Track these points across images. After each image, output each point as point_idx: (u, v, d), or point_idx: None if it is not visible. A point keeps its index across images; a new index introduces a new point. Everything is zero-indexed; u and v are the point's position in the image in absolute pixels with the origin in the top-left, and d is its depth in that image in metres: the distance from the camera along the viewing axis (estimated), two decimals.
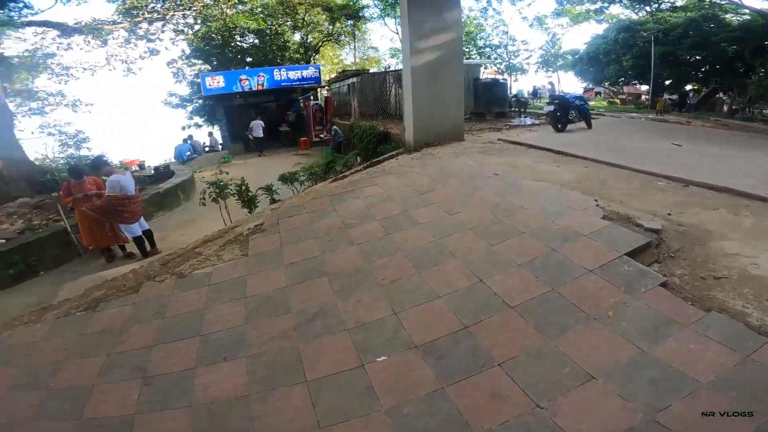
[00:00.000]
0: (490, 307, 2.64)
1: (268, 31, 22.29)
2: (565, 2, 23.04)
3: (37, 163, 10.65)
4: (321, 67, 30.48)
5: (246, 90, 15.65)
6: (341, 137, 11.65)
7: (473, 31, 25.81)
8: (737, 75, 20.14)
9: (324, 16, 24.55)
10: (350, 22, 26.37)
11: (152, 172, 10.34)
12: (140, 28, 17.64)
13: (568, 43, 57.97)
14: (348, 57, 33.49)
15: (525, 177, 4.80)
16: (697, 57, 21.96)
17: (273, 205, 5.14)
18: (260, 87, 15.71)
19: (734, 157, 5.97)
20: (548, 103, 8.47)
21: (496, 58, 26.48)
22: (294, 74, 16.06)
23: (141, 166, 11.29)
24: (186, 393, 2.30)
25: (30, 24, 14.54)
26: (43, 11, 16.33)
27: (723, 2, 19.31)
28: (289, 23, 24.08)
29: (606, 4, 18.63)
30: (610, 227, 3.32)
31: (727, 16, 21.45)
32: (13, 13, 13.32)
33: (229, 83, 15.46)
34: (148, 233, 6.23)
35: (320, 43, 27.12)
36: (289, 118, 17.48)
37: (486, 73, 30.07)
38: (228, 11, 20.81)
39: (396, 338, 2.51)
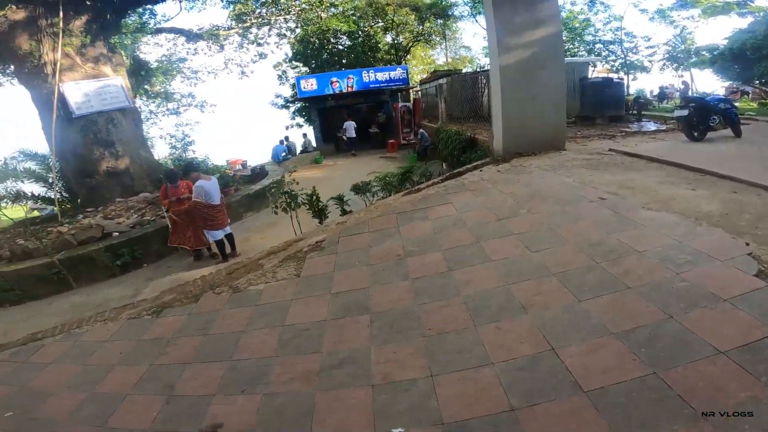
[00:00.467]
0: (554, 388, 1.95)
1: (359, 33, 22.82)
2: None
3: (159, 161, 12.24)
4: (410, 68, 30.60)
5: (336, 92, 16.12)
6: (428, 141, 11.15)
7: (578, 26, 23.10)
8: None
9: (413, 16, 24.33)
10: (440, 21, 25.67)
11: (249, 172, 11.10)
12: (250, 32, 19.36)
13: (702, 38, 49.11)
14: (440, 57, 32.85)
15: (643, 204, 3.76)
16: None
17: (340, 219, 4.90)
18: (350, 89, 16.06)
19: None
20: (680, 107, 6.87)
21: (608, 55, 23.20)
22: (382, 75, 16.07)
23: (243, 165, 12.26)
24: (196, 420, 2.22)
25: (160, 30, 16.79)
26: (171, 18, 18.65)
27: None
28: (380, 24, 24.38)
29: None
30: (766, 290, 2.29)
31: None
32: (147, 20, 15.43)
33: (321, 85, 16.10)
34: (229, 237, 6.51)
35: (410, 44, 26.98)
36: (379, 120, 17.58)
37: (595, 72, 26.81)
38: (323, 14, 21.76)
39: (423, 407, 2.00)
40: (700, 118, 6.59)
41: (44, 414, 2.54)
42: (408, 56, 29.47)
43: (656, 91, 18.14)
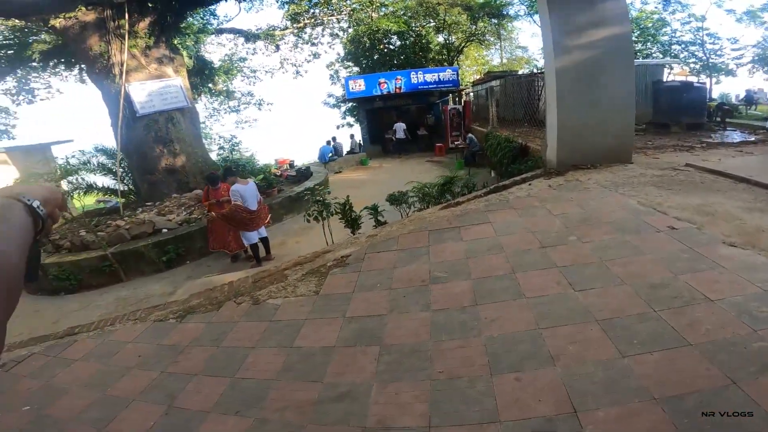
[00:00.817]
0: None
1: (410, 33, 22.46)
2: None
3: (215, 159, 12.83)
4: (462, 69, 29.59)
5: (384, 93, 15.94)
6: (477, 146, 10.60)
7: (651, 26, 20.88)
8: None
9: (465, 16, 23.49)
10: (494, 20, 24.50)
11: (294, 173, 11.27)
12: (305, 33, 19.84)
13: None
14: (494, 58, 31.54)
15: (724, 237, 3.13)
16: None
17: (372, 231, 4.67)
18: (398, 90, 15.79)
19: None
20: None
21: (687, 57, 20.78)
22: (431, 77, 15.61)
23: (291, 165, 12.51)
24: None
25: (221, 31, 17.67)
26: (232, 18, 19.71)
27: None
28: (431, 24, 23.85)
29: None
30: None
31: None
32: (211, 20, 16.30)
33: (369, 86, 16.00)
34: (265, 241, 6.54)
35: (463, 44, 26.15)
36: (427, 122, 17.18)
37: (672, 75, 24.23)
38: (374, 15, 21.68)
39: None
40: None
41: (56, 412, 2.58)
42: (461, 57, 28.64)
43: (742, 95, 15.86)
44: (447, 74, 16.20)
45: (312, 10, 18.25)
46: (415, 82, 16.09)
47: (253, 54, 20.51)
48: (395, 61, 21.73)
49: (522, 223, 4.03)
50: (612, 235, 3.44)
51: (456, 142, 12.25)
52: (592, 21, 5.54)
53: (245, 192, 5.96)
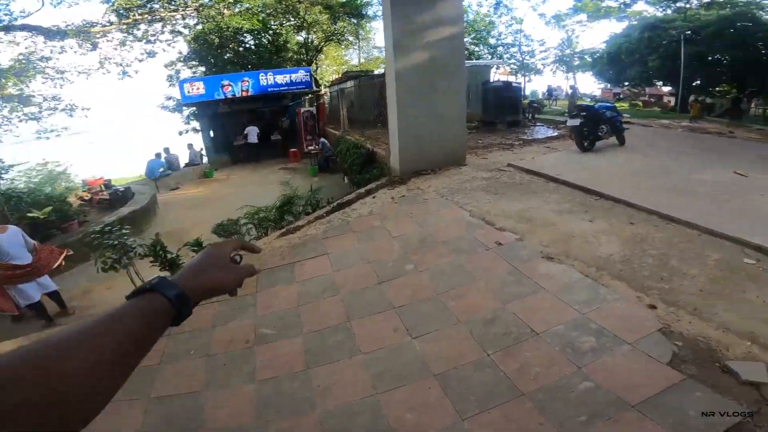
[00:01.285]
0: None
1: (267, 32, 21.03)
2: None
3: None
4: (320, 70, 29.25)
5: (229, 96, 14.26)
6: (330, 151, 10.12)
7: (484, 29, 23.80)
8: None
9: (325, 15, 23.13)
10: (354, 20, 24.78)
11: (107, 196, 9.02)
12: (138, 29, 16.64)
13: (586, 42, 55.30)
14: (354, 58, 32.01)
15: (542, 248, 3.22)
16: (726, 58, 19.62)
17: None
18: (245, 93, 14.28)
19: None
20: (572, 115, 6.83)
21: (509, 58, 24.36)
22: (282, 78, 14.58)
23: (106, 186, 9.99)
24: None
25: (9, 29, 13.62)
26: (30, 14, 15.43)
27: None
28: (292, 23, 22.80)
29: (629, 0, 16.38)
30: (683, 387, 1.84)
31: (762, 12, 19.21)
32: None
33: (210, 90, 14.06)
34: (54, 295, 4.87)
35: (322, 43, 25.71)
36: (282, 126, 16.08)
37: (498, 75, 28.11)
38: (226, 11, 19.60)
39: None
40: (590, 127, 6.57)
41: None
42: (320, 57, 28.10)
43: (545, 90, 19.32)
44: (299, 75, 15.30)
45: (149, 5, 15.28)
46: (265, 84, 14.76)
47: (60, 53, 16.28)
48: (249, 62, 19.98)
49: (360, 251, 3.63)
50: (447, 258, 3.26)
51: (309, 147, 11.59)
52: (432, 21, 5.48)
53: (5, 243, 4.24)
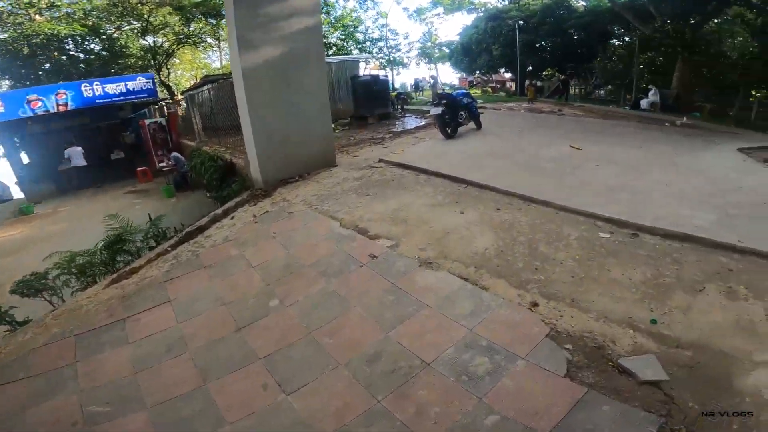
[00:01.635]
0: None
1: (98, 37, 17.73)
2: None
3: None
4: (174, 75, 25.84)
5: (41, 113, 11.23)
6: (185, 166, 8.63)
7: (351, 23, 23.65)
8: (585, 60, 21.72)
9: (177, 17, 20.40)
10: (212, 21, 22.24)
11: None
12: None
13: (445, 34, 60.12)
14: (216, 61, 29.02)
15: (419, 252, 2.97)
16: (549, 44, 23.12)
17: None
18: (63, 108, 11.42)
19: (663, 165, 5.02)
20: (434, 104, 6.95)
21: (377, 52, 24.78)
22: (114, 87, 12.02)
23: None
24: None
25: None
26: None
27: None
28: (134, 26, 19.60)
29: None
30: (588, 402, 1.71)
31: (575, 1, 23.03)
32: None
33: (12, 107, 10.78)
34: None
35: (173, 47, 22.75)
36: (125, 141, 13.48)
37: (369, 69, 28.51)
38: (38, 17, 15.66)
39: None
40: (451, 115, 6.75)
41: None
42: (175, 61, 24.74)
43: (413, 83, 20.13)
44: (139, 83, 12.84)
45: None
46: (91, 95, 12.00)
47: None
48: (78, 72, 16.46)
49: (213, 290, 2.92)
50: (318, 284, 2.77)
51: (161, 164, 9.81)
52: (284, 12, 4.82)
53: None
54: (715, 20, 14.61)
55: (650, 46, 16.68)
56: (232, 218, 4.31)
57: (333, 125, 10.52)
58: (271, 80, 4.88)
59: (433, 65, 33.89)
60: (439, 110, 6.52)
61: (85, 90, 11.85)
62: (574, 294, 2.40)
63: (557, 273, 2.62)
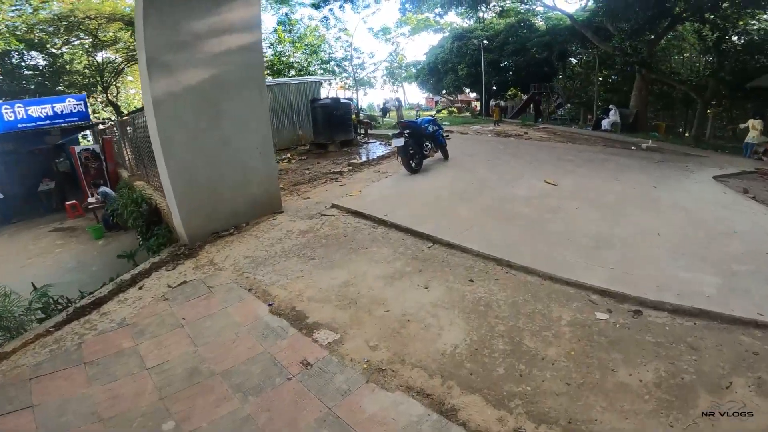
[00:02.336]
0: None
1: (41, 53, 16.39)
2: (407, 9, 21.75)
3: None
4: (127, 94, 24.21)
5: None
6: (115, 202, 7.44)
7: (315, 42, 22.80)
8: (547, 79, 22.08)
9: (129, 32, 19.21)
10: None
11: None
12: None
13: (413, 54, 60.73)
14: None
15: (369, 354, 2.25)
16: (512, 63, 23.30)
17: None
18: None
19: (645, 203, 4.53)
20: (396, 134, 6.31)
21: (341, 73, 24.03)
22: (39, 110, 10.69)
23: None
24: None
25: None
26: None
27: (536, 5, 20.39)
28: (84, 41, 18.27)
29: (443, 11, 17.84)
30: None
31: (536, 19, 23.45)
32: None
33: None
34: None
35: (123, 64, 21.41)
36: (58, 169, 12.03)
37: (334, 90, 27.67)
38: None
39: None
40: (415, 145, 6.11)
41: None
42: (129, 79, 23.23)
43: (382, 105, 19.59)
44: (68, 105, 11.49)
45: None
46: (12, 119, 10.62)
47: None
48: (9, 91, 14.94)
49: (90, 400, 2.13)
50: (229, 405, 1.99)
51: (89, 199, 8.55)
52: (215, 28, 4.03)
53: None
54: (665, 37, 15.06)
55: (607, 64, 17.02)
56: (141, 288, 3.39)
57: (290, 154, 9.71)
58: (194, 112, 4.05)
59: (397, 86, 33.71)
60: (401, 141, 5.87)
61: (6, 113, 10.45)
62: (571, 411, 1.76)
63: (548, 380, 1.95)
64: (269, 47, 20.44)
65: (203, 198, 4.22)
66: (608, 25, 14.39)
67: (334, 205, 4.78)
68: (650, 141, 9.42)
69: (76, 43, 18.68)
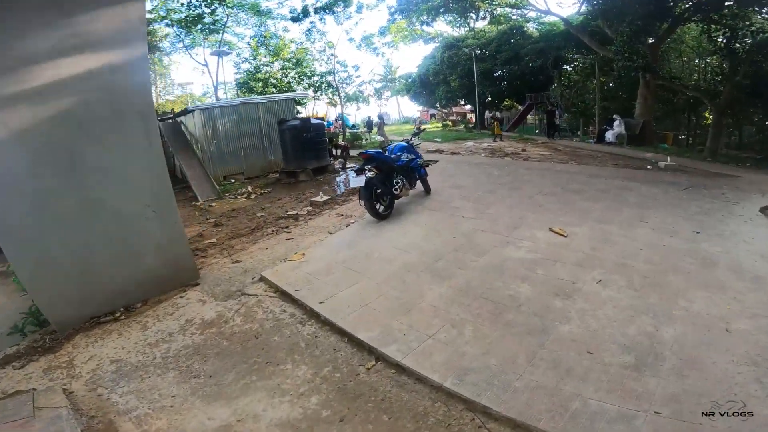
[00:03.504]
0: None
1: None
2: (396, 18, 20.36)
3: None
4: None
5: None
6: None
7: (301, 57, 21.26)
8: (542, 88, 20.79)
9: None
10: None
11: None
12: None
13: (403, 67, 60.02)
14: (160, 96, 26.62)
15: None
16: (506, 72, 21.77)
17: None
18: None
19: (692, 265, 3.24)
20: (357, 169, 5.06)
21: (327, 88, 22.41)
22: None
23: None
24: None
25: None
26: None
27: (528, 10, 19.14)
28: None
29: (429, 18, 16.45)
30: None
31: (529, 25, 22.28)
32: None
33: None
34: None
35: None
36: None
37: (323, 106, 26.40)
38: None
39: None
40: (383, 186, 4.87)
41: None
42: None
43: (376, 120, 17.68)
44: None
45: None
46: None
47: None
48: None
49: None
50: None
51: None
52: (68, 45, 2.84)
53: None
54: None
55: (604, 71, 15.79)
56: None
57: (251, 187, 8.23)
58: (37, 164, 2.82)
59: (384, 101, 32.31)
60: (362, 180, 4.61)
61: None
62: None
63: None
64: (243, 62, 19.34)
65: (69, 278, 3.00)
66: (605, 28, 13.28)
67: (262, 278, 3.51)
68: (668, 158, 8.16)
69: None
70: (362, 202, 4.72)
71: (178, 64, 27.50)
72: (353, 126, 23.28)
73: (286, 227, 5.06)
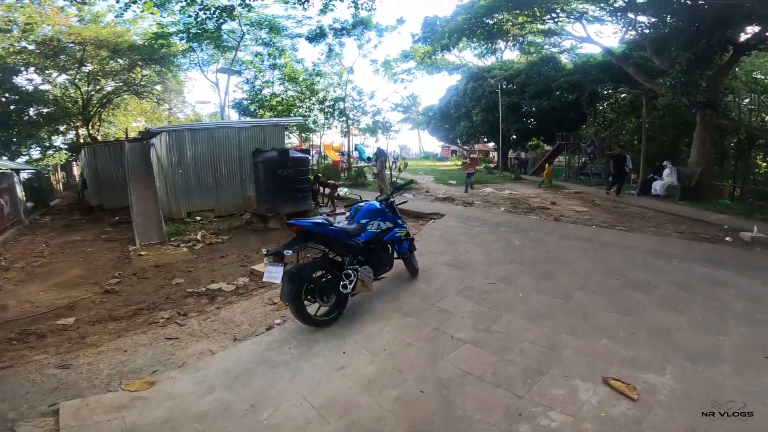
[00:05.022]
0: None
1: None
2: (422, 42, 18.56)
3: None
4: (117, 125, 22.83)
5: None
6: None
7: (317, 80, 19.85)
8: (574, 127, 18.67)
9: (122, 62, 18.18)
10: (159, 67, 19.60)
11: None
12: None
13: (428, 97, 58.86)
14: (181, 111, 26.35)
15: None
16: (534, 107, 19.36)
17: None
18: None
19: None
20: (274, 251, 2.86)
21: (339, 116, 20.76)
22: None
23: None
24: None
25: None
26: None
27: (564, 38, 16.99)
28: (73, 70, 17.54)
29: (451, 42, 14.64)
30: None
31: (562, 56, 20.09)
32: None
33: None
34: None
35: (108, 97, 20.40)
36: None
37: (324, 139, 24.08)
38: None
39: None
40: (331, 271, 3.03)
41: None
42: (117, 111, 22.51)
43: (374, 153, 15.71)
44: None
45: None
46: None
47: None
48: None
49: None
50: None
51: None
52: None
53: None
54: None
55: (646, 108, 13.72)
56: None
57: (201, 234, 6.03)
58: None
59: (393, 135, 30.24)
60: (279, 273, 2.76)
61: None
62: None
63: None
64: (245, 82, 18.34)
65: None
66: (653, 58, 11.41)
67: (57, 413, 1.68)
68: (755, 229, 5.99)
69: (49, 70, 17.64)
70: (286, 303, 2.87)
71: (194, 81, 27.09)
72: (369, 159, 21.75)
73: (185, 314, 3.26)
